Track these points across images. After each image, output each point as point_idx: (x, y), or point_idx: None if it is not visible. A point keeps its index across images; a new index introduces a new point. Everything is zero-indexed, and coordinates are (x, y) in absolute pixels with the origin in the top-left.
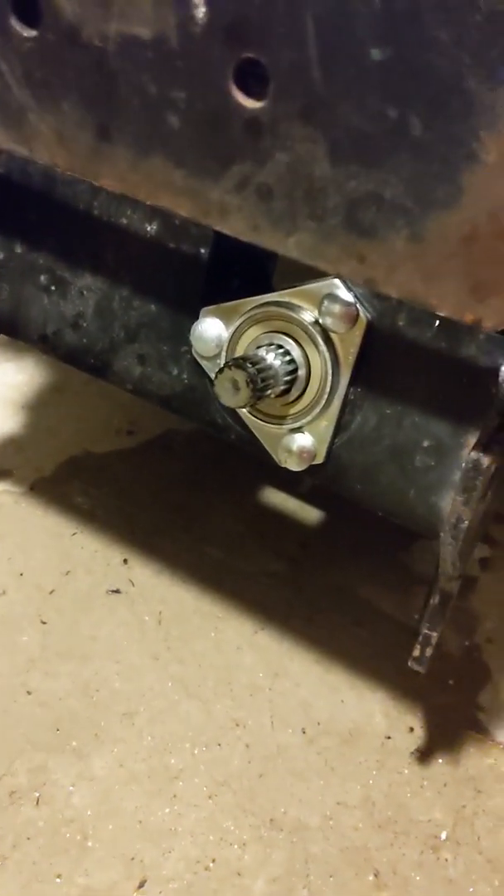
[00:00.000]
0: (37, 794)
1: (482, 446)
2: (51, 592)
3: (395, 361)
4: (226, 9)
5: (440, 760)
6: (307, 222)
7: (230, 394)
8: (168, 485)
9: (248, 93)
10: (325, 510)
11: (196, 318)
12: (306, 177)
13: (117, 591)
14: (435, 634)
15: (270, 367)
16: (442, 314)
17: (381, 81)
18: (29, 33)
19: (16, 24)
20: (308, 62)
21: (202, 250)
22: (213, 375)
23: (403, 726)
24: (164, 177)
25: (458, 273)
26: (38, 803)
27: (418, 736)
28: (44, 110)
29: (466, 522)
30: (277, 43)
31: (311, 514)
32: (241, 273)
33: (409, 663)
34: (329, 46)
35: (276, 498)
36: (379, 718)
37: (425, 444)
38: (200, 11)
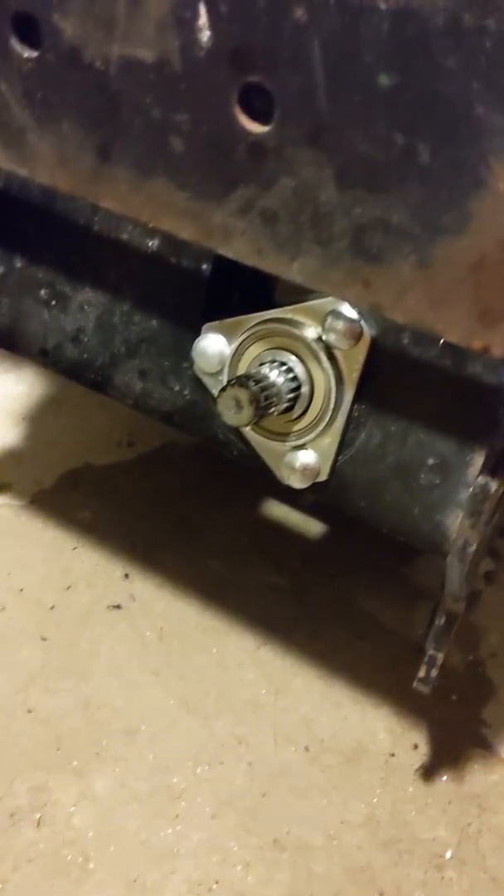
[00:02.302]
0: (37, 816)
1: (490, 470)
2: (51, 608)
3: (399, 378)
4: (230, 33)
5: (444, 778)
6: (312, 247)
7: (233, 412)
8: (169, 497)
9: (253, 117)
10: (326, 524)
11: (198, 333)
12: (312, 201)
13: (118, 607)
14: (441, 655)
15: (273, 384)
16: (450, 341)
17: (388, 108)
18: (30, 54)
19: (16, 45)
20: (314, 88)
21: (204, 266)
22: (214, 392)
23: (407, 743)
24: (166, 199)
25: (466, 300)
26: (38, 824)
27: (423, 753)
28: (44, 131)
29: (474, 546)
30: (283, 68)
31: (313, 527)
32: (243, 288)
33: (415, 684)
34: (336, 72)
35: (277, 511)
36: (383, 735)
37: (430, 461)
38: (205, 35)
